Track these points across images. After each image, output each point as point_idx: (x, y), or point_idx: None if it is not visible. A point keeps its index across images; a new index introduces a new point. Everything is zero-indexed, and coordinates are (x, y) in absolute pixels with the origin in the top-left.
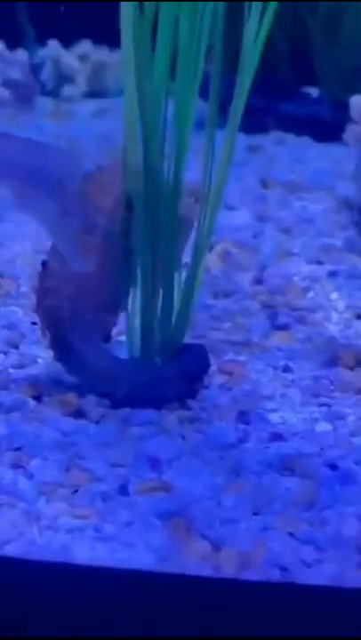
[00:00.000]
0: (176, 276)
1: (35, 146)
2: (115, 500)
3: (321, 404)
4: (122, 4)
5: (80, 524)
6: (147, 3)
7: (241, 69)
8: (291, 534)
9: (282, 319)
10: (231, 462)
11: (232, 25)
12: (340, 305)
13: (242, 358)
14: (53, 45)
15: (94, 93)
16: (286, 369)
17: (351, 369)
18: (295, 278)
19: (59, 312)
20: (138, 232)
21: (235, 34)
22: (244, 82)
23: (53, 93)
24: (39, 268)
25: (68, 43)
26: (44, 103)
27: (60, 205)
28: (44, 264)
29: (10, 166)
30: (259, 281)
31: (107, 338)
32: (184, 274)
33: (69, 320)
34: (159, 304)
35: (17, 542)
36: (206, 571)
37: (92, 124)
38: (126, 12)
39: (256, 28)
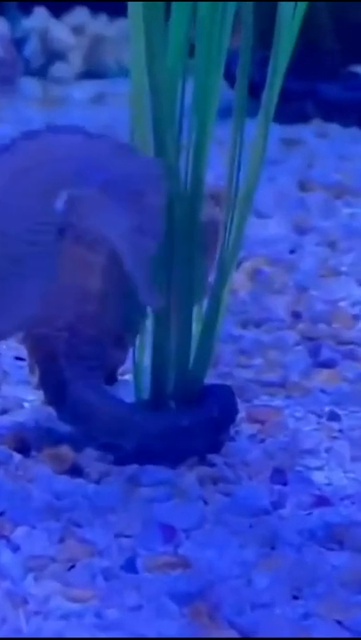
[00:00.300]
0: (196, 300)
1: (119, 149)
2: (120, 579)
3: None
4: None
5: (77, 608)
6: None
7: (276, 44)
8: (339, 623)
9: (326, 354)
10: (264, 532)
11: None
12: None
13: (277, 403)
14: (41, 14)
15: (91, 73)
16: (332, 416)
17: None
18: (342, 304)
19: (51, 343)
20: None
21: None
22: (280, 60)
23: (40, 73)
24: None
25: (58, 11)
26: (29, 85)
27: (138, 222)
28: None
29: (88, 169)
30: (297, 306)
31: (111, 377)
32: (206, 298)
33: (64, 353)
34: (174, 335)
35: None
36: None
37: (90, 111)
38: None
39: None
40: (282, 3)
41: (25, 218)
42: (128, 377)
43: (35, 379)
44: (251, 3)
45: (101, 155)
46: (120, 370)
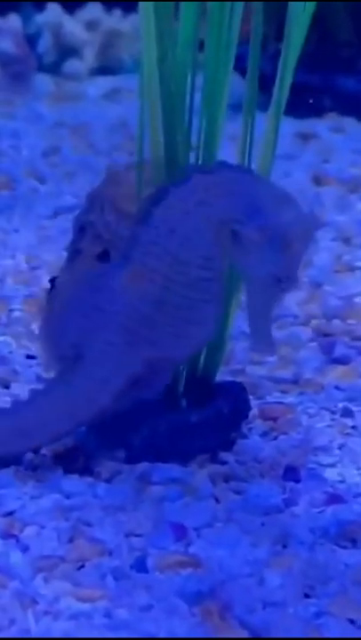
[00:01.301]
0: None
1: (282, 195)
2: (130, 578)
3: None
4: None
5: (87, 608)
6: None
7: (287, 36)
8: (352, 622)
9: (340, 350)
10: (276, 530)
11: None
12: None
13: (290, 400)
14: (54, 10)
15: (104, 69)
16: (346, 413)
17: None
18: (357, 299)
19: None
20: None
21: None
22: (291, 53)
23: (54, 69)
24: (46, 286)
25: (71, 7)
26: (42, 81)
27: (280, 270)
28: (52, 281)
29: (253, 209)
30: (311, 302)
31: None
32: None
33: None
34: None
35: (7, 631)
36: None
37: (104, 107)
38: None
39: None
40: None
41: (200, 247)
42: None
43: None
44: None
45: (265, 197)
46: None
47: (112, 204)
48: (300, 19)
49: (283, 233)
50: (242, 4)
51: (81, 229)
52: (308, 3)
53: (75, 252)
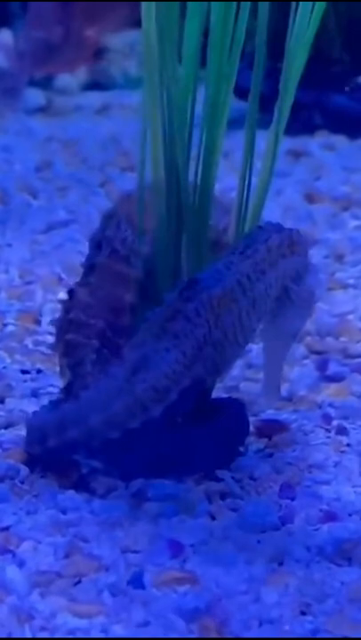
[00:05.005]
0: None
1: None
2: (127, 595)
3: None
4: None
5: (83, 624)
6: None
7: (288, 57)
8: None
9: (334, 368)
10: (273, 548)
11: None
12: None
13: (285, 417)
14: None
15: (96, 84)
16: (341, 430)
17: None
18: (350, 317)
19: (81, 350)
20: (158, 254)
21: (281, 7)
22: (293, 74)
23: (45, 85)
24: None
25: None
26: (34, 96)
27: (304, 325)
28: (71, 293)
29: (303, 269)
30: None
31: None
32: None
33: (92, 361)
34: None
35: None
36: None
37: (95, 122)
38: None
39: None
40: (298, 16)
41: (270, 297)
42: None
43: (64, 382)
44: (266, 15)
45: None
46: None
47: (128, 221)
48: (303, 37)
49: (312, 292)
50: (245, 23)
51: (97, 246)
52: (311, 22)
53: (91, 267)
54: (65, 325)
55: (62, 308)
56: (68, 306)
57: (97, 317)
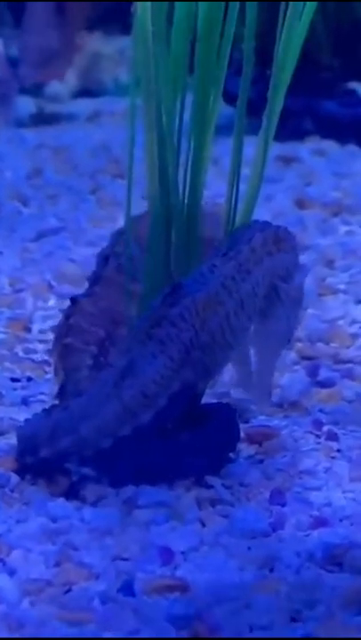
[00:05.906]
0: None
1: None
2: (117, 602)
3: None
4: None
5: (74, 632)
6: None
7: (277, 63)
8: None
9: (325, 374)
10: (263, 554)
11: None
12: None
13: (275, 422)
14: None
15: (86, 92)
16: (331, 436)
17: None
18: (340, 322)
19: (80, 356)
20: (145, 260)
21: (269, 13)
22: (282, 79)
23: (36, 92)
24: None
25: None
26: (24, 104)
27: (295, 326)
28: (73, 300)
29: (293, 268)
30: None
31: None
32: None
33: (88, 366)
34: None
35: None
36: None
37: (86, 129)
38: None
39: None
40: (286, 21)
41: (258, 297)
42: None
43: (57, 383)
44: (255, 19)
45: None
46: None
47: (136, 240)
48: (293, 44)
49: (302, 293)
50: (233, 28)
51: (105, 259)
52: (300, 28)
53: (97, 278)
54: (64, 330)
55: (64, 314)
56: (69, 312)
57: (98, 326)
